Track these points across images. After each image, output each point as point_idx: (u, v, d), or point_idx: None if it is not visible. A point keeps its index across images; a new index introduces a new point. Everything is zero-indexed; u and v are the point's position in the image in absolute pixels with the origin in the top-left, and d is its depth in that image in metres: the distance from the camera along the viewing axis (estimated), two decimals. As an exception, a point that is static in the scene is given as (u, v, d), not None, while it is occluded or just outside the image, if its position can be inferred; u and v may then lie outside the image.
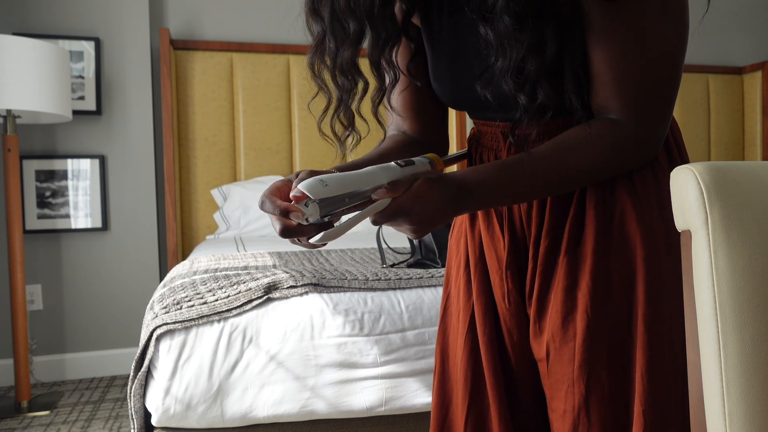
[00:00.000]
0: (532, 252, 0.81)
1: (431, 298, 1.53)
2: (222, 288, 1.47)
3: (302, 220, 0.66)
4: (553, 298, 0.79)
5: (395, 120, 0.96)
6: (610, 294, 0.76)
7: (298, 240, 0.70)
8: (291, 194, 0.67)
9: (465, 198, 0.71)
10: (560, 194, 0.78)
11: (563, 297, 0.77)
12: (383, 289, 1.53)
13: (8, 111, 2.38)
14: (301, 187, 0.65)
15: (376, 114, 0.83)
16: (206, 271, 1.72)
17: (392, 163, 0.74)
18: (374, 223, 0.68)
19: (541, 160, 0.72)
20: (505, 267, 0.83)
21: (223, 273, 1.65)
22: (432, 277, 1.60)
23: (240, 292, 1.44)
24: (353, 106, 0.82)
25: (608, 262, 0.76)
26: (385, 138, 0.94)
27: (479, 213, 0.89)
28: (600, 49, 0.71)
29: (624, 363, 0.75)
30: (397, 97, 0.94)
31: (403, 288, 1.55)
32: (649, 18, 0.68)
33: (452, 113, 3.09)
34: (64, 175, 2.83)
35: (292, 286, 1.48)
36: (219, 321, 1.40)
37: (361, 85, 0.83)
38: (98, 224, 2.87)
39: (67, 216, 2.84)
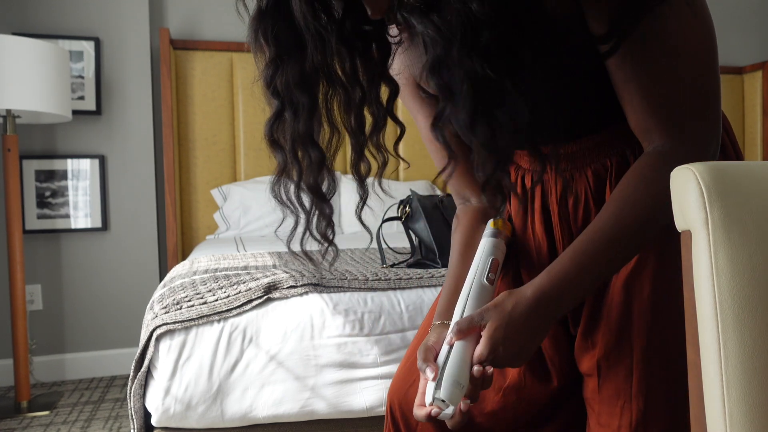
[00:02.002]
0: None
1: (431, 298, 1.53)
2: (222, 288, 1.47)
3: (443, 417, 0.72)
4: (606, 313, 0.78)
5: (453, 189, 0.98)
6: (669, 308, 0.75)
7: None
8: (432, 413, 0.70)
9: (553, 309, 0.70)
10: (650, 243, 0.75)
11: (619, 312, 0.77)
12: (383, 289, 1.53)
13: (8, 111, 2.38)
14: (445, 398, 0.70)
15: (360, 218, 0.82)
16: (206, 271, 1.72)
17: (482, 284, 0.80)
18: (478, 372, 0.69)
19: (609, 229, 0.70)
20: None
21: (223, 273, 1.65)
22: (432, 277, 1.60)
23: (240, 292, 1.44)
24: (320, 229, 0.80)
25: (667, 275, 0.75)
26: (457, 217, 0.96)
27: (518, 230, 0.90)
28: (622, 72, 0.69)
29: (683, 380, 0.74)
30: (452, 178, 0.94)
31: (403, 288, 1.55)
32: (671, 33, 0.67)
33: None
34: (63, 175, 2.82)
35: (292, 286, 1.48)
36: (219, 321, 1.40)
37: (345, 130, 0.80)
38: (98, 224, 2.87)
39: (67, 216, 2.84)
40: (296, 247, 0.79)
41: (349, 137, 0.79)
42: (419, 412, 0.71)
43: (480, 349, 0.70)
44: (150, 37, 2.95)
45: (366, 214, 0.83)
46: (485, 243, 0.85)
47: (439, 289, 1.56)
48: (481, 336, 0.72)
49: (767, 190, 0.55)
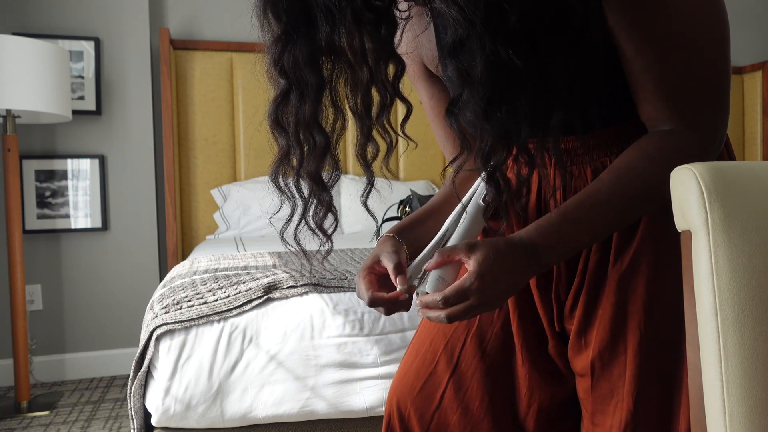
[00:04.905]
0: (581, 267, 0.80)
1: (431, 298, 1.53)
2: (222, 288, 1.47)
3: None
4: (601, 313, 0.78)
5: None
6: (664, 308, 0.74)
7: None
8: (420, 300, 0.72)
9: (535, 261, 0.70)
10: (633, 222, 0.75)
11: (613, 312, 0.76)
12: (383, 289, 1.53)
13: (8, 111, 2.38)
14: (430, 291, 0.73)
15: (365, 205, 0.78)
16: (206, 271, 1.72)
17: (479, 204, 0.80)
18: (449, 320, 0.69)
19: (604, 193, 0.70)
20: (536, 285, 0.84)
21: (223, 273, 1.65)
22: (432, 277, 1.60)
23: (240, 292, 1.44)
24: (316, 219, 0.78)
25: (662, 274, 0.75)
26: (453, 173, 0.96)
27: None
28: (638, 61, 0.69)
29: (674, 381, 0.74)
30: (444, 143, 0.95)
31: (403, 288, 1.54)
32: (685, 20, 0.66)
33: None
34: (63, 175, 2.82)
35: (292, 286, 1.48)
36: (219, 321, 1.40)
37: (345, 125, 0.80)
38: (98, 224, 2.87)
39: (67, 216, 2.84)
40: (290, 237, 0.77)
41: (354, 120, 0.76)
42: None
43: (466, 277, 0.69)
44: (150, 37, 2.95)
45: (372, 198, 0.80)
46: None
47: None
48: (459, 265, 0.73)
49: (767, 190, 0.55)
